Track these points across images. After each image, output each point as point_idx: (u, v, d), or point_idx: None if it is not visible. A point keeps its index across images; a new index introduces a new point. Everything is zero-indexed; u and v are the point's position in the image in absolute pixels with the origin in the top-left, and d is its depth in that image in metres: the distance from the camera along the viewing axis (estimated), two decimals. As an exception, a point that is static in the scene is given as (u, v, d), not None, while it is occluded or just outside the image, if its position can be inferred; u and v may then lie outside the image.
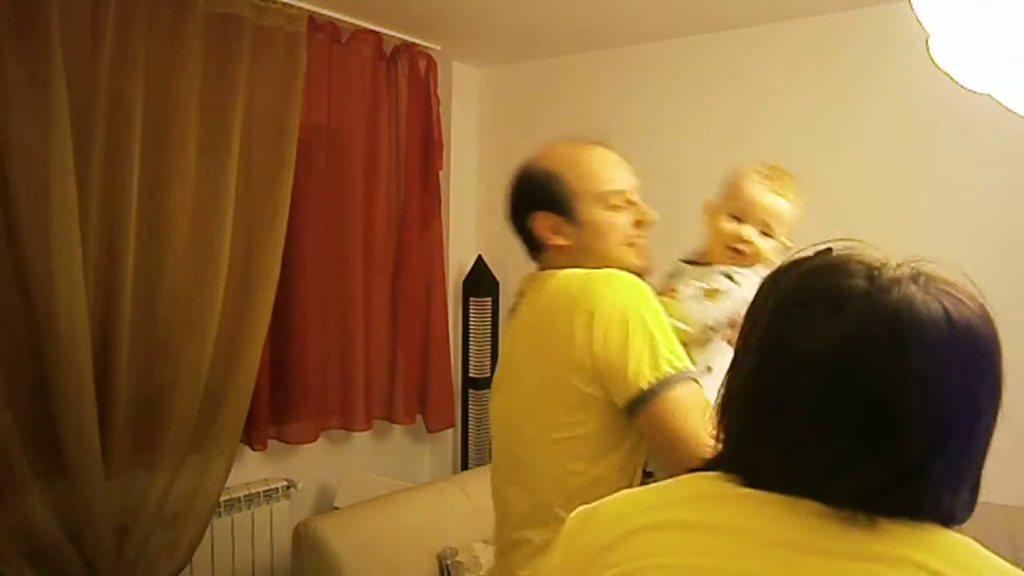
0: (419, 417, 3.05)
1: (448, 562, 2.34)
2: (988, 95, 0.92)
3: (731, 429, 0.75)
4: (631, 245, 1.29)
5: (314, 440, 2.72)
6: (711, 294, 1.26)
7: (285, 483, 2.64)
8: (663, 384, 1.12)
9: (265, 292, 2.36)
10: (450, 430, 3.16)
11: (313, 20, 2.48)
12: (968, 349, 0.70)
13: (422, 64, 2.90)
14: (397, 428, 3.07)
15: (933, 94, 2.07)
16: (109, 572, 2.08)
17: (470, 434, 3.15)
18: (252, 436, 2.53)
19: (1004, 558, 0.77)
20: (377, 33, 2.71)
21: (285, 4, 2.36)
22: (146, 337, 2.15)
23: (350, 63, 2.68)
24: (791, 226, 1.33)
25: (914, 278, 0.69)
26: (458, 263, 3.16)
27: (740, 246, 1.31)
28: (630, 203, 1.29)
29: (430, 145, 2.95)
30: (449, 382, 3.08)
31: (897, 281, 0.68)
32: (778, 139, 2.54)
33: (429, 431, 3.07)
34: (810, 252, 0.75)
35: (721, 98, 2.66)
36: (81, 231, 1.94)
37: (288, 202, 2.40)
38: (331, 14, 2.55)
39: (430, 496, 2.50)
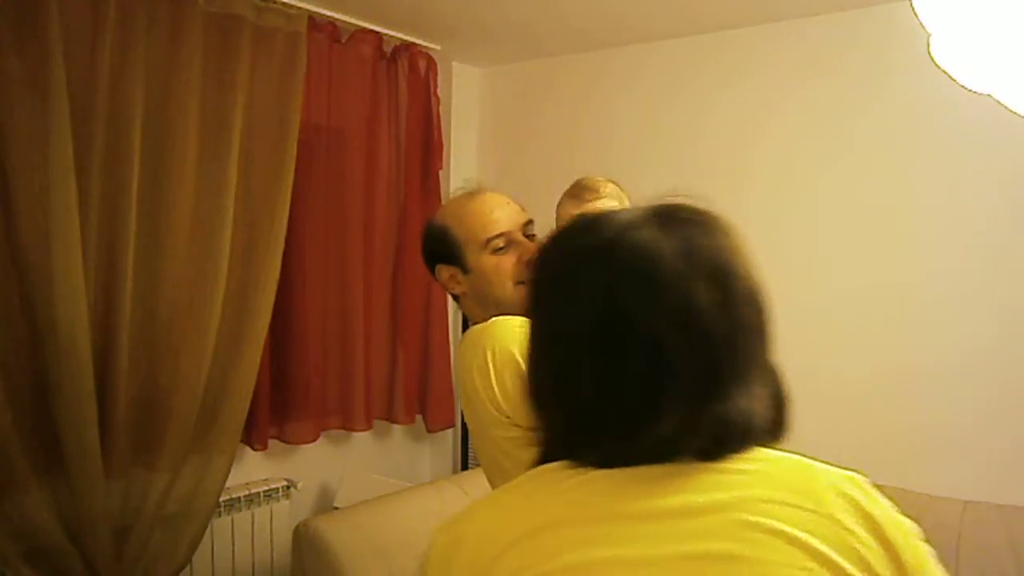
0: (419, 417, 3.05)
1: (448, 562, 2.34)
2: (988, 95, 0.92)
3: (542, 416, 0.78)
4: (522, 283, 1.32)
5: (314, 440, 2.72)
6: None
7: (285, 483, 2.64)
8: None
9: (265, 292, 2.36)
10: (450, 430, 3.16)
11: (313, 20, 2.48)
12: (710, 270, 0.71)
13: (422, 64, 2.90)
14: (397, 428, 3.07)
15: (933, 94, 2.08)
16: (109, 572, 2.08)
17: (470, 434, 3.15)
18: (252, 436, 2.53)
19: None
20: (377, 33, 2.71)
21: (285, 4, 2.36)
22: (146, 337, 2.15)
23: (350, 63, 2.68)
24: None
25: (652, 220, 0.73)
26: (458, 263, 3.15)
27: None
28: (514, 242, 1.34)
29: (430, 145, 2.95)
30: (449, 382, 3.08)
31: (632, 226, 0.72)
32: (778, 139, 2.54)
33: (429, 431, 3.07)
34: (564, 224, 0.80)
35: (721, 98, 2.66)
36: (81, 231, 1.94)
37: (288, 202, 2.40)
38: (331, 14, 2.55)
39: (430, 496, 2.50)
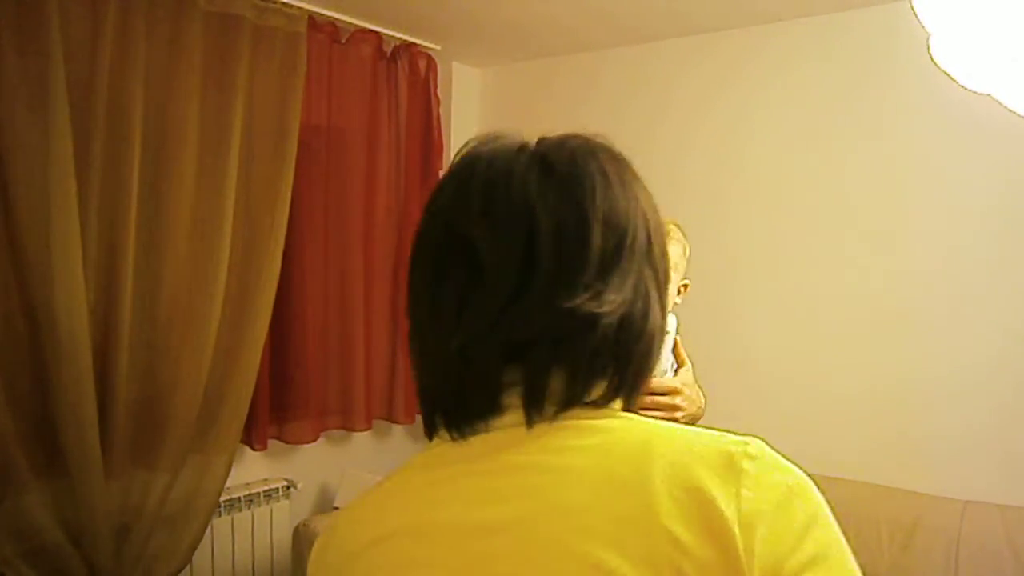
0: (419, 417, 3.04)
1: (448, 562, 2.34)
2: (988, 95, 0.92)
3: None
4: None
5: (314, 440, 2.72)
6: None
7: (285, 483, 2.64)
8: None
9: (265, 292, 2.36)
10: (450, 430, 3.16)
11: (313, 20, 2.48)
12: (553, 173, 0.67)
13: (422, 64, 2.90)
14: (397, 428, 3.07)
15: (933, 94, 2.08)
16: (109, 572, 2.08)
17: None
18: (252, 436, 2.53)
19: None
20: (377, 33, 2.71)
21: (285, 4, 2.36)
22: (146, 337, 2.15)
23: (350, 63, 2.68)
24: (677, 263, 1.35)
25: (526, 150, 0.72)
26: (458, 263, 3.15)
27: None
28: None
29: (430, 145, 2.95)
30: (449, 382, 3.08)
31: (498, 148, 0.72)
32: (778, 139, 2.54)
33: (429, 431, 3.07)
34: None
35: (721, 98, 2.66)
36: (81, 231, 1.94)
37: (288, 202, 2.40)
38: (331, 14, 2.55)
39: (430, 496, 2.50)
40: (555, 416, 0.62)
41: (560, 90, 3.05)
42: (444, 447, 0.68)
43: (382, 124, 2.81)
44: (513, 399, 0.64)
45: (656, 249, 0.69)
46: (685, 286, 1.36)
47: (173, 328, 2.19)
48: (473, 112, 3.24)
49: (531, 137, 0.78)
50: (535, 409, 0.62)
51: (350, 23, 2.63)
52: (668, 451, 0.58)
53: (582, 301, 0.62)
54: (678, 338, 1.31)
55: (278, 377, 2.60)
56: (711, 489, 0.55)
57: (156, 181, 2.14)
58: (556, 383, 0.63)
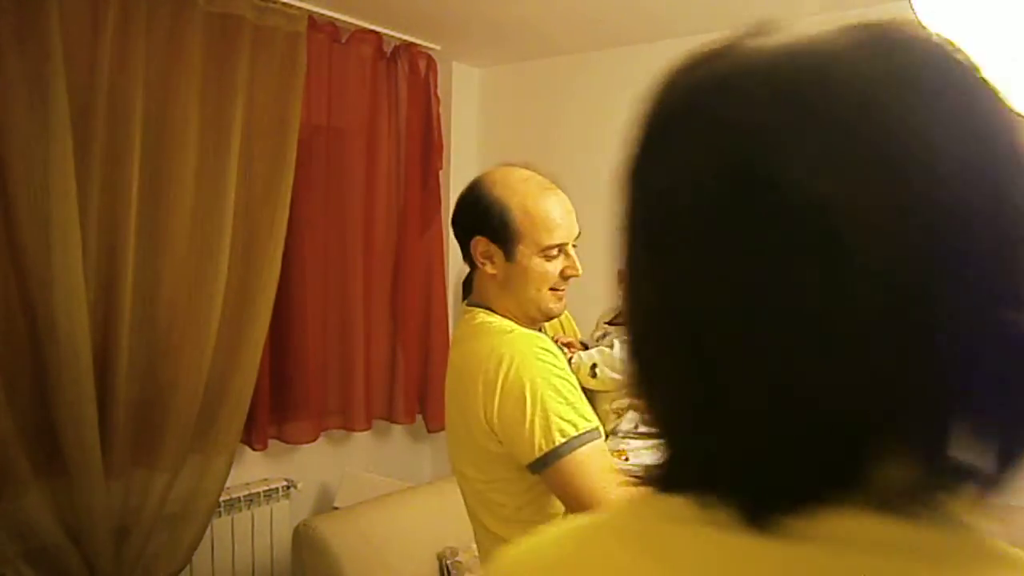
0: (419, 417, 3.05)
1: (448, 562, 2.33)
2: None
3: (656, 411, 0.46)
4: (553, 291, 1.35)
5: (314, 440, 2.72)
6: None
7: (285, 483, 2.64)
8: (556, 452, 1.18)
9: (265, 292, 2.36)
10: (450, 430, 3.16)
11: (313, 20, 2.48)
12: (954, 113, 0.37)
13: (422, 64, 2.90)
14: (397, 428, 3.07)
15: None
16: (109, 572, 2.08)
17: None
18: (252, 436, 2.53)
19: None
20: (377, 33, 2.71)
21: (285, 4, 2.36)
22: (146, 337, 2.15)
23: (350, 63, 2.68)
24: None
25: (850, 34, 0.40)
26: (458, 263, 3.12)
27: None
28: (565, 253, 1.35)
29: (430, 145, 2.95)
30: (449, 382, 3.08)
31: (814, 41, 0.41)
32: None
33: (429, 431, 3.07)
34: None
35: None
36: (81, 231, 1.94)
37: (288, 202, 2.40)
38: (331, 14, 2.55)
39: (430, 496, 2.50)
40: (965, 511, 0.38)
41: (560, 90, 3.04)
42: (730, 536, 0.39)
43: (382, 124, 2.81)
44: (894, 470, 0.38)
45: None
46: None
47: (173, 328, 2.19)
48: (473, 112, 3.24)
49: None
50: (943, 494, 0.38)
51: (350, 23, 2.63)
52: None
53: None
54: None
55: (278, 377, 2.60)
56: None
57: (156, 181, 2.14)
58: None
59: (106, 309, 2.06)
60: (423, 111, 2.92)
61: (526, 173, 1.38)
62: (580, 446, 1.18)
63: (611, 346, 1.42)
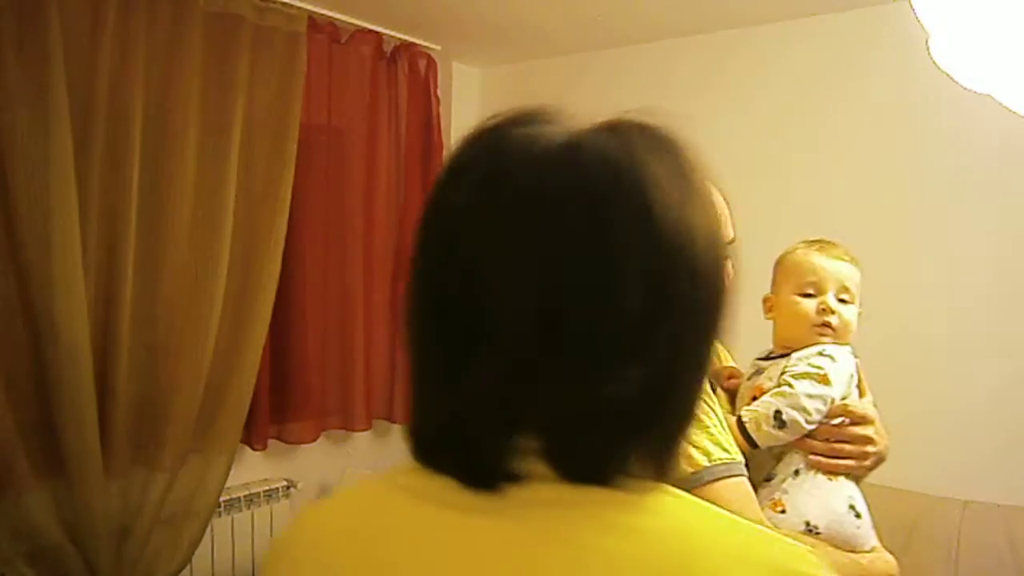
0: (419, 417, 3.05)
1: (448, 562, 2.34)
2: (988, 95, 0.92)
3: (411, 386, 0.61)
4: None
5: (314, 440, 2.72)
6: (823, 379, 1.10)
7: (285, 483, 2.64)
8: (683, 483, 0.99)
9: (265, 292, 2.36)
10: (450, 430, 3.16)
11: (313, 20, 2.48)
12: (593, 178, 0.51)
13: (422, 64, 2.90)
14: (397, 428, 3.07)
15: (933, 94, 2.07)
16: (109, 572, 2.08)
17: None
18: (252, 436, 2.53)
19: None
20: (377, 33, 2.71)
21: (285, 4, 2.36)
22: (146, 337, 2.15)
23: (350, 63, 2.68)
24: (859, 288, 1.20)
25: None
26: (458, 263, 3.15)
27: (828, 319, 1.17)
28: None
29: (430, 145, 2.95)
30: (449, 382, 3.08)
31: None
32: (777, 139, 2.54)
33: (429, 431, 3.07)
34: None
35: (721, 98, 2.66)
36: (81, 231, 1.94)
37: (288, 202, 2.40)
38: (331, 14, 2.55)
39: (430, 496, 2.50)
40: (588, 484, 0.53)
41: (560, 90, 3.04)
42: (448, 483, 0.55)
43: (382, 124, 2.81)
44: (534, 465, 0.53)
45: (725, 299, 0.55)
46: (859, 313, 1.21)
47: (173, 328, 2.19)
48: (473, 112, 3.24)
49: None
50: (564, 471, 0.53)
51: (350, 23, 2.63)
52: (715, 554, 0.50)
53: (588, 385, 0.51)
54: (859, 362, 1.17)
55: (278, 377, 2.60)
56: None
57: (156, 181, 2.14)
58: (572, 452, 0.53)
59: (106, 309, 2.06)
60: (423, 111, 2.92)
61: None
62: (713, 480, 0.98)
63: (785, 384, 1.13)
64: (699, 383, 0.56)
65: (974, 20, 0.84)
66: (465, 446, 0.54)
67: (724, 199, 1.20)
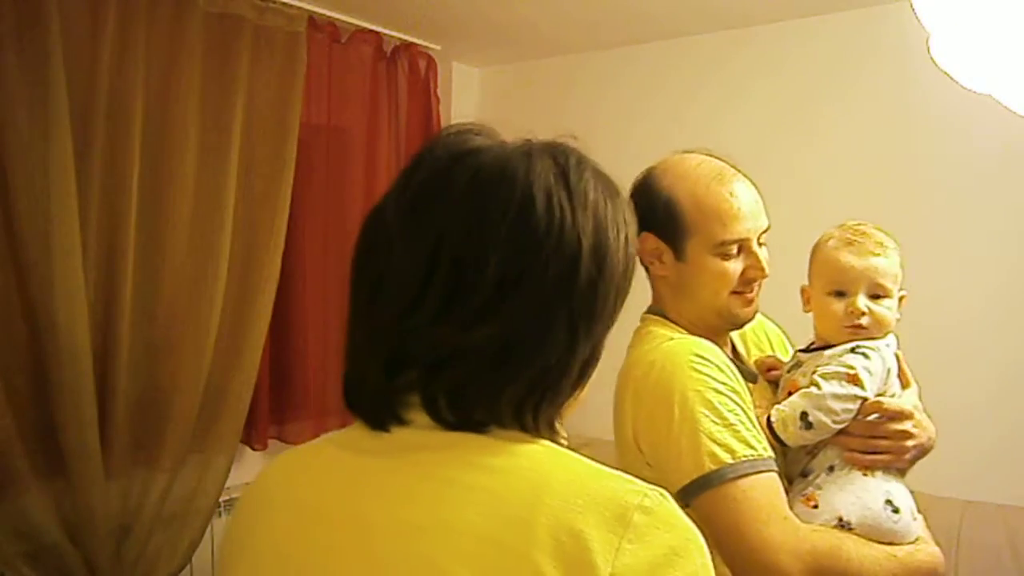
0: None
1: (448, 562, 2.34)
2: (988, 95, 0.92)
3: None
4: (737, 294, 1.15)
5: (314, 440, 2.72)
6: (852, 378, 1.10)
7: (285, 483, 2.64)
8: (705, 480, 0.99)
9: (265, 292, 2.36)
10: (450, 430, 3.16)
11: (313, 20, 2.48)
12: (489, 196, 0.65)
13: (422, 64, 2.90)
14: (397, 428, 3.07)
15: (933, 94, 2.07)
16: (109, 572, 2.08)
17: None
18: (252, 436, 2.53)
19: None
20: (377, 33, 2.71)
21: (285, 4, 2.36)
22: (146, 337, 2.15)
23: (350, 63, 2.68)
24: (897, 274, 1.18)
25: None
26: (458, 263, 3.16)
27: (858, 320, 1.15)
28: (746, 251, 1.15)
29: (430, 145, 2.95)
30: (449, 382, 3.08)
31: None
32: (776, 139, 2.54)
33: (429, 431, 3.07)
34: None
35: (721, 98, 2.66)
36: (81, 231, 1.94)
37: (288, 202, 2.40)
38: (331, 14, 2.55)
39: (430, 496, 2.50)
40: (461, 431, 0.63)
41: (560, 90, 3.04)
42: (361, 432, 0.69)
43: (382, 124, 2.81)
44: (417, 414, 0.65)
45: (582, 278, 0.65)
46: (903, 298, 1.19)
47: (173, 328, 2.19)
48: (473, 112, 3.24)
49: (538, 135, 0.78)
50: (438, 420, 0.64)
51: (350, 23, 2.63)
52: (564, 489, 0.58)
53: (452, 331, 0.63)
54: (899, 353, 1.16)
55: (278, 377, 2.60)
56: (592, 539, 0.55)
57: (156, 181, 2.14)
58: (443, 402, 0.63)
59: (106, 309, 2.06)
60: (423, 111, 2.92)
61: (701, 158, 1.19)
62: (737, 477, 0.98)
63: (813, 384, 1.12)
64: (566, 352, 0.65)
65: (974, 20, 0.84)
66: (363, 391, 0.68)
67: (756, 190, 1.19)
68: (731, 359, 1.16)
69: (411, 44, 2.85)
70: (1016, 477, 2.13)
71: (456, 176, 0.66)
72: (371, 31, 2.70)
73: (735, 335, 1.30)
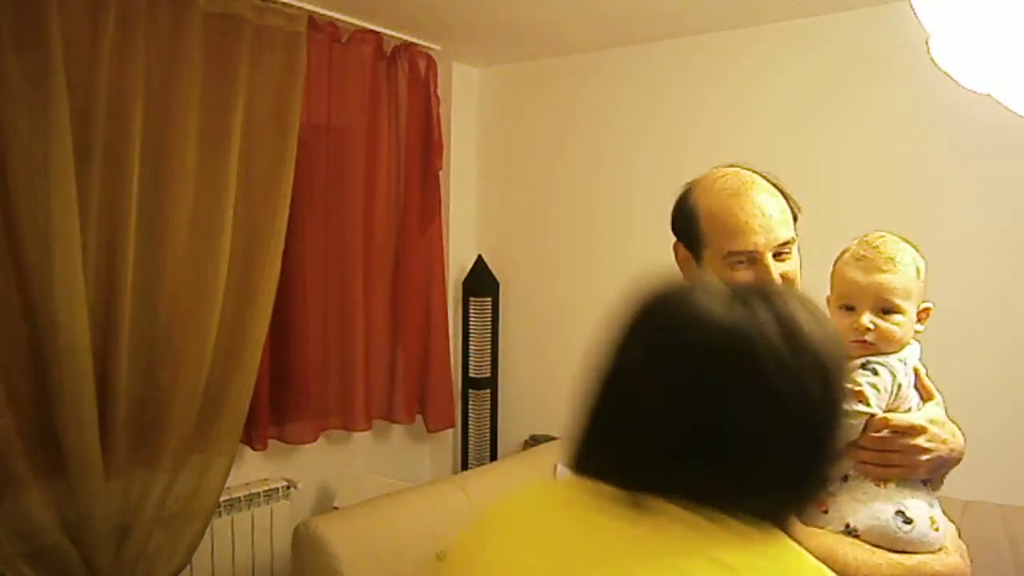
0: (419, 417, 3.05)
1: (448, 562, 2.34)
2: (988, 95, 0.92)
3: (578, 429, 0.80)
4: None
5: (314, 440, 2.72)
6: (857, 395, 1.11)
7: (285, 483, 2.64)
8: None
9: (265, 292, 2.36)
10: (450, 430, 3.16)
11: (313, 20, 2.48)
12: (728, 348, 0.71)
13: (422, 64, 2.90)
14: (397, 428, 3.07)
15: (933, 94, 2.08)
16: (109, 572, 2.08)
17: (470, 434, 3.15)
18: (252, 436, 2.53)
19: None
20: (377, 33, 2.71)
21: (285, 4, 2.36)
22: (146, 337, 2.15)
23: (350, 63, 2.68)
24: (911, 289, 1.17)
25: (732, 294, 0.74)
26: (458, 263, 3.16)
27: (864, 337, 1.17)
28: (757, 263, 1.17)
29: (430, 145, 2.95)
30: (449, 382, 3.08)
31: (711, 296, 0.74)
32: (777, 140, 2.54)
33: (429, 431, 3.07)
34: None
35: (721, 98, 2.66)
36: (81, 231, 1.94)
37: (288, 202, 2.40)
38: (331, 14, 2.55)
39: (430, 496, 2.50)
40: (713, 514, 0.68)
41: (560, 90, 3.05)
42: (586, 494, 0.73)
43: (382, 124, 2.81)
44: (674, 491, 0.69)
45: (816, 423, 0.73)
46: (926, 310, 1.20)
47: (173, 328, 2.19)
48: (473, 112, 3.24)
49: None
50: (697, 503, 0.68)
51: (350, 23, 2.63)
52: None
53: (692, 465, 0.70)
54: (918, 366, 1.18)
55: (278, 377, 2.60)
56: None
57: (156, 181, 2.14)
58: (685, 495, 0.69)
59: (106, 309, 2.06)
60: (423, 111, 2.92)
61: (727, 172, 1.24)
62: None
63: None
64: (804, 477, 0.74)
65: (974, 20, 0.84)
66: (606, 461, 0.74)
67: (780, 204, 1.20)
68: None
69: (411, 44, 2.85)
70: (1016, 477, 2.13)
71: (705, 345, 0.71)
72: (371, 31, 2.70)
73: None
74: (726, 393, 0.70)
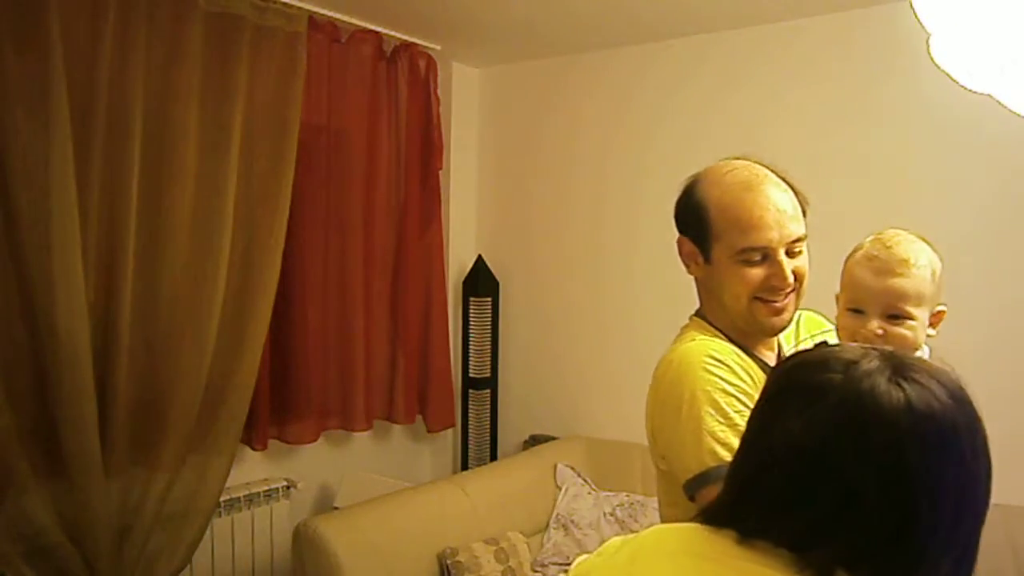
0: (419, 417, 3.05)
1: (448, 562, 2.33)
2: (988, 95, 0.92)
3: (730, 488, 0.80)
4: (760, 300, 1.15)
5: (314, 440, 2.72)
6: None
7: (285, 483, 2.64)
8: (704, 476, 1.03)
9: (265, 292, 2.36)
10: (450, 430, 3.16)
11: (313, 20, 2.48)
12: (928, 432, 0.73)
13: (422, 64, 2.90)
14: (397, 428, 3.07)
15: (933, 94, 2.08)
16: (109, 572, 2.08)
17: (470, 434, 3.15)
18: (252, 436, 2.53)
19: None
20: (377, 33, 2.71)
21: (285, 4, 2.36)
22: (146, 337, 2.15)
23: (350, 63, 2.68)
24: (924, 293, 1.16)
25: (884, 369, 0.74)
26: (458, 263, 3.16)
27: (872, 344, 1.15)
28: (771, 259, 1.14)
29: (430, 145, 2.95)
30: (449, 382, 3.08)
31: (868, 373, 0.74)
32: (778, 139, 2.54)
33: (429, 431, 3.07)
34: (807, 345, 0.77)
35: (722, 98, 2.66)
36: (81, 231, 1.94)
37: (288, 202, 2.40)
38: (331, 14, 2.55)
39: (430, 496, 2.50)
40: None
41: (560, 90, 3.05)
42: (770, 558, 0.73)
43: (382, 124, 2.81)
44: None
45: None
46: (939, 314, 1.19)
47: (173, 328, 2.19)
48: (473, 112, 3.24)
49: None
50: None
51: (350, 23, 2.63)
52: None
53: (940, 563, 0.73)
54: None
55: (278, 377, 2.60)
56: None
57: (156, 181, 2.14)
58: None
59: (106, 309, 2.06)
60: (423, 111, 2.92)
61: (736, 164, 1.20)
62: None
63: None
64: (972, 559, 0.78)
65: (974, 20, 0.84)
66: (755, 520, 0.74)
67: (792, 199, 1.17)
68: (763, 363, 1.18)
69: (411, 44, 2.85)
70: (1016, 477, 2.13)
71: (903, 440, 0.72)
72: (371, 31, 2.70)
73: (783, 340, 1.30)
74: (937, 478, 0.73)
